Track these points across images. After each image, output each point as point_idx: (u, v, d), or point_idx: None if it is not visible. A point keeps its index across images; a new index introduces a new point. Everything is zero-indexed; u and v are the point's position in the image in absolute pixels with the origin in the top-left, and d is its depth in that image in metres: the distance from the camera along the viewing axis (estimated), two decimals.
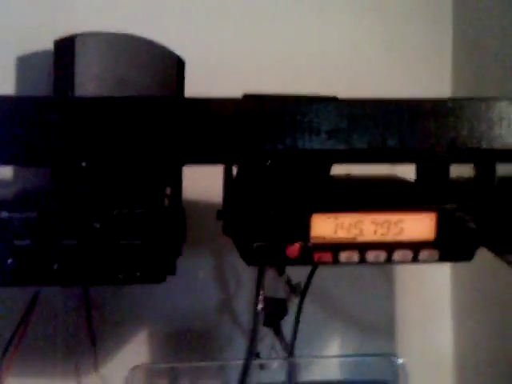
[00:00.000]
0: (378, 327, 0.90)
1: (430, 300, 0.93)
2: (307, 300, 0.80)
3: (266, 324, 0.77)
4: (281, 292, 0.76)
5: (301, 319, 0.80)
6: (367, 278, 0.89)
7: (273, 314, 0.76)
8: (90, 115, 0.48)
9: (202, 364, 0.68)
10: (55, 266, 0.49)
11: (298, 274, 0.76)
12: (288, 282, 0.76)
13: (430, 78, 0.88)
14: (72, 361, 0.82)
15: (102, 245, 0.49)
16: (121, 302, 0.84)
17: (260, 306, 0.48)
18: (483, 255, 0.53)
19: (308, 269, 0.78)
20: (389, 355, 0.69)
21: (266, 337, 0.78)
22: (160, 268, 0.51)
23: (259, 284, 0.48)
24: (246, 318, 0.87)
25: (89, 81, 0.69)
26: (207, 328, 0.87)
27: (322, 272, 0.79)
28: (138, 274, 0.50)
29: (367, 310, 0.90)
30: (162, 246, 0.50)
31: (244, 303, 0.87)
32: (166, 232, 0.50)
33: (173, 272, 0.52)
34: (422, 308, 0.92)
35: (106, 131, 0.49)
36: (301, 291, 0.76)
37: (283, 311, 0.71)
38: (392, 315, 0.92)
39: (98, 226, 0.49)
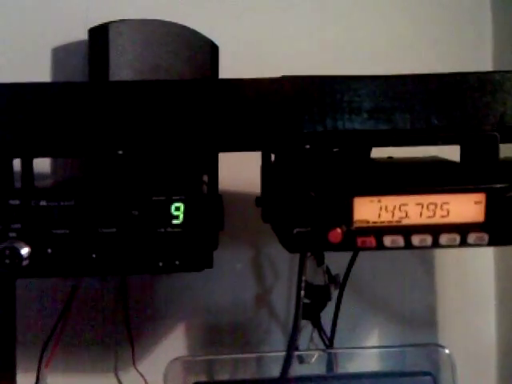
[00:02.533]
0: (419, 317, 0.88)
1: (473, 288, 0.90)
2: (346, 291, 0.79)
3: (304, 316, 0.76)
4: (320, 282, 0.74)
5: (340, 311, 0.78)
6: (407, 268, 0.87)
7: (312, 305, 0.75)
8: (126, 100, 0.48)
9: (241, 356, 0.67)
10: (94, 255, 0.48)
11: (336, 265, 0.75)
12: (327, 271, 0.74)
13: (468, 54, 0.86)
14: (110, 356, 0.82)
15: (140, 233, 0.49)
16: (158, 296, 0.84)
17: (303, 293, 0.46)
18: None
19: (346, 260, 0.77)
20: (434, 345, 0.67)
21: (305, 329, 0.77)
22: (198, 256, 0.50)
23: (301, 271, 0.47)
24: (283, 310, 0.86)
25: (123, 68, 0.69)
26: (245, 321, 0.86)
27: (361, 262, 0.77)
28: (177, 262, 0.49)
29: (407, 300, 0.88)
30: (200, 234, 0.49)
31: (281, 296, 0.86)
32: (204, 219, 0.49)
33: (210, 264, 0.51)
34: (464, 297, 0.90)
35: (142, 116, 0.48)
36: (340, 282, 0.75)
37: (324, 301, 0.69)
38: (433, 305, 0.89)
39: (136, 213, 0.49)
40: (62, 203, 0.48)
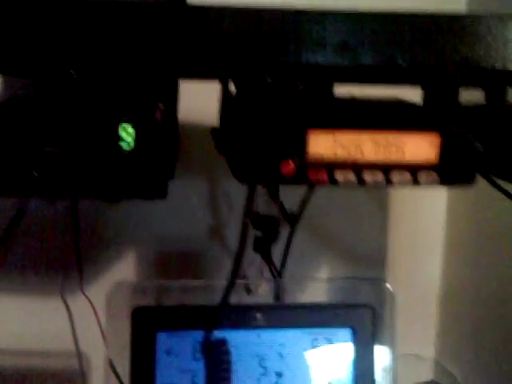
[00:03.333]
0: (369, 255, 0.90)
1: (424, 230, 0.92)
2: (299, 227, 0.79)
3: (255, 248, 0.76)
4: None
5: (292, 247, 0.79)
6: (361, 206, 0.88)
7: (262, 238, 0.75)
8: (82, 18, 0.45)
9: (186, 283, 0.67)
10: (36, 174, 0.46)
11: (293, 202, 0.75)
12: (281, 206, 0.74)
13: None
14: (58, 279, 0.81)
15: (85, 154, 0.47)
16: (110, 222, 0.83)
17: (247, 219, 0.46)
18: (482, 187, 0.51)
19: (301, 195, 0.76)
20: (377, 280, 0.69)
21: (255, 262, 0.78)
22: (150, 184, 0.48)
23: (250, 200, 0.46)
24: (236, 243, 0.86)
25: None
26: (197, 251, 0.86)
27: (316, 200, 0.77)
28: (124, 188, 0.47)
29: (359, 238, 0.90)
30: (150, 161, 0.48)
31: (235, 229, 0.86)
32: (155, 146, 0.48)
33: (163, 194, 0.50)
34: (414, 238, 0.92)
35: (98, 36, 0.46)
36: (293, 216, 0.75)
37: (274, 234, 0.70)
38: (384, 243, 0.91)
39: (82, 134, 0.47)
40: (4, 120, 0.46)
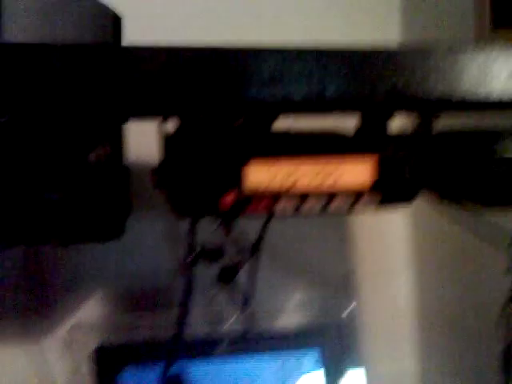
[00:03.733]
0: (333, 281, 0.90)
1: (389, 248, 0.93)
2: (266, 256, 0.80)
3: (220, 279, 0.77)
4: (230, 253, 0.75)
5: (259, 275, 0.80)
6: (325, 230, 0.89)
7: (227, 269, 0.76)
8: (17, 62, 0.46)
9: (146, 318, 0.68)
10: None
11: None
12: (235, 241, 0.75)
13: (376, 26, 0.87)
14: (19, 327, 0.82)
15: (24, 200, 0.48)
16: (69, 266, 0.83)
17: (189, 258, 0.47)
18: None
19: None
20: (344, 299, 0.69)
21: (221, 294, 0.78)
22: (90, 226, 0.49)
23: (192, 236, 0.48)
24: (203, 276, 0.87)
25: (18, 32, 0.66)
26: (161, 286, 0.87)
27: (279, 227, 0.78)
28: (65, 232, 0.48)
29: (326, 263, 0.90)
30: (82, 202, 0.49)
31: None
32: (88, 188, 0.49)
33: (118, 234, 0.51)
34: (381, 257, 0.93)
35: (33, 81, 0.46)
36: (250, 249, 0.76)
37: (219, 257, 0.70)
38: (351, 266, 0.92)
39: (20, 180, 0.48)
40: None
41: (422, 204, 0.52)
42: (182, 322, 0.47)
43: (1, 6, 0.62)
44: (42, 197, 0.47)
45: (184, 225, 0.82)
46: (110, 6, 0.68)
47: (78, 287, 0.83)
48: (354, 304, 0.70)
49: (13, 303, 0.81)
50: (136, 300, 0.85)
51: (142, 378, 0.63)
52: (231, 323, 0.77)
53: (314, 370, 0.66)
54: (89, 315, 0.81)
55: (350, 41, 0.49)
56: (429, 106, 0.49)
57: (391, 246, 0.93)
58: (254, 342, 0.66)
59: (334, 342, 0.67)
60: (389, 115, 0.50)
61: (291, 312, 0.83)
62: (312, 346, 0.66)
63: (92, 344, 0.61)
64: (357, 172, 0.49)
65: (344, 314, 0.70)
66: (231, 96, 0.49)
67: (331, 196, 0.49)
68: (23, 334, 0.81)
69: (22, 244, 0.68)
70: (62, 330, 0.79)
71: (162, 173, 0.53)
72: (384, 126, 0.50)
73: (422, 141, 0.50)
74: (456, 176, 0.51)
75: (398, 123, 0.53)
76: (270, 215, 0.49)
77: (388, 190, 0.49)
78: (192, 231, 0.47)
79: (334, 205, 0.49)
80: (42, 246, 0.69)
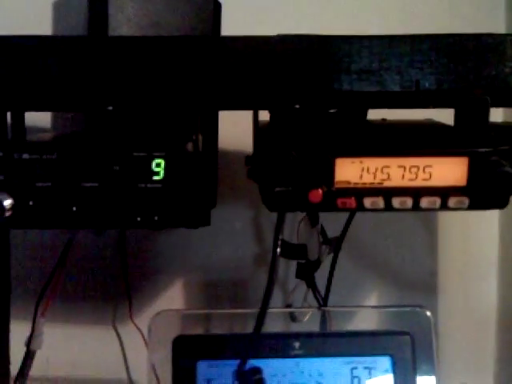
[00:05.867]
0: (418, 281, 0.88)
1: (476, 253, 0.89)
2: (343, 253, 0.78)
3: (298, 276, 0.76)
4: (314, 243, 0.74)
5: (336, 273, 0.78)
6: (409, 230, 0.86)
7: (306, 265, 0.75)
8: (121, 55, 0.47)
9: (229, 312, 0.68)
10: (74, 208, 0.49)
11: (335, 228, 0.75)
12: (322, 232, 0.74)
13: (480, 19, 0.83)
14: (108, 309, 0.84)
15: (121, 188, 0.49)
16: (157, 251, 0.85)
17: (279, 250, 0.46)
18: None
19: (343, 221, 0.76)
20: (417, 307, 0.67)
21: (300, 289, 0.78)
22: (191, 212, 0.50)
23: (278, 229, 0.47)
24: (282, 269, 0.87)
25: (122, 24, 0.69)
26: (243, 279, 0.87)
27: (359, 224, 0.77)
28: (156, 218, 0.49)
29: (407, 263, 0.87)
30: (185, 189, 0.49)
31: None
32: (187, 177, 0.49)
33: (207, 222, 0.51)
34: (466, 261, 0.89)
35: (136, 72, 0.48)
36: (334, 243, 0.75)
37: (303, 256, 0.70)
38: (435, 268, 0.88)
39: (117, 168, 0.49)
40: (44, 156, 0.49)
41: None
42: (262, 315, 0.47)
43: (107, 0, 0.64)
44: (139, 184, 0.48)
45: (271, 217, 0.83)
46: None
47: (160, 276, 0.85)
48: (426, 313, 0.68)
49: (104, 287, 0.84)
50: (216, 291, 0.85)
51: (218, 371, 0.62)
52: (306, 321, 0.76)
53: (384, 374, 0.64)
54: (169, 304, 0.82)
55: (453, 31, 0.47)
56: None
57: (479, 249, 0.89)
58: (327, 342, 0.65)
59: (407, 347, 0.64)
60: (488, 108, 0.47)
61: (366, 313, 0.81)
62: (384, 351, 0.64)
63: (171, 334, 0.62)
64: (450, 170, 0.47)
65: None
66: (325, 86, 0.48)
67: (424, 191, 0.47)
68: (103, 320, 0.83)
69: (118, 228, 0.70)
70: (143, 318, 0.80)
71: (254, 163, 0.52)
72: (483, 120, 0.47)
73: None
74: None
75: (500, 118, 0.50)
76: (356, 210, 0.47)
77: (478, 194, 0.47)
78: (279, 224, 0.46)
79: (425, 202, 0.47)
80: (131, 229, 0.70)
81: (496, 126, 0.50)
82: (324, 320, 0.76)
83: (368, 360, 0.63)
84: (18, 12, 0.78)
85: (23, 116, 0.53)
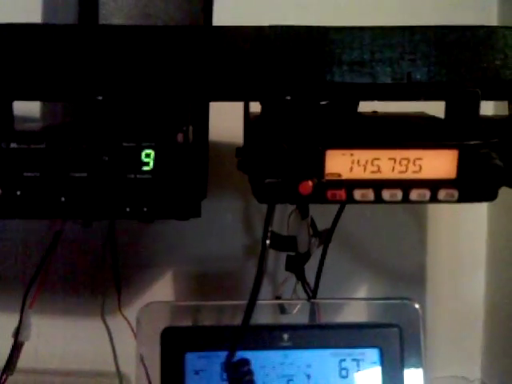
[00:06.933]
0: (406, 274, 0.88)
1: (465, 248, 0.90)
2: (333, 246, 0.78)
3: (287, 268, 0.76)
4: (304, 235, 0.74)
5: (325, 265, 0.78)
6: (398, 223, 0.86)
7: (295, 257, 0.75)
8: (113, 44, 0.47)
9: (217, 303, 0.68)
10: (63, 199, 0.48)
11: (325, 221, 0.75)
12: (312, 225, 0.74)
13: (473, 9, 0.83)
14: (96, 300, 0.84)
15: (110, 178, 0.48)
16: (146, 243, 0.84)
17: (268, 242, 0.46)
18: None
19: (333, 214, 0.76)
20: (405, 299, 0.68)
21: (289, 282, 0.78)
22: (181, 203, 0.49)
23: (268, 221, 0.47)
24: (271, 261, 0.87)
25: (113, 14, 0.68)
26: (233, 270, 0.87)
27: (349, 217, 0.77)
28: (145, 209, 0.49)
29: (395, 257, 0.88)
30: (175, 180, 0.49)
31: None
32: (177, 168, 0.49)
33: (197, 214, 0.51)
34: (455, 255, 0.89)
35: (126, 62, 0.47)
36: (324, 235, 0.75)
37: (293, 248, 0.70)
38: (423, 261, 0.89)
39: (106, 158, 0.48)
40: (32, 146, 0.48)
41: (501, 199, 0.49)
42: (251, 307, 0.46)
43: None
44: (129, 174, 0.47)
45: (261, 209, 0.82)
46: None
47: (150, 267, 0.84)
48: (414, 305, 0.68)
49: (93, 279, 0.83)
50: (206, 282, 0.85)
51: (206, 362, 0.62)
52: (295, 314, 0.76)
53: (371, 367, 0.64)
54: (158, 296, 0.82)
55: (445, 23, 0.47)
56: None
57: (467, 243, 0.89)
58: (315, 334, 0.65)
59: (396, 339, 0.65)
60: (479, 100, 0.47)
61: (356, 306, 0.81)
62: (372, 343, 0.65)
63: (160, 325, 0.62)
64: (440, 163, 0.47)
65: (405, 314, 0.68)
66: (316, 78, 0.47)
67: (414, 183, 0.47)
68: (92, 311, 0.83)
69: (107, 218, 0.70)
70: (131, 310, 0.80)
71: (244, 155, 0.52)
72: (473, 114, 0.47)
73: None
74: None
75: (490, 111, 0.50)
76: (346, 202, 0.47)
77: (467, 186, 0.47)
78: (269, 215, 0.46)
79: (415, 195, 0.47)
80: (120, 220, 0.70)
81: (486, 118, 0.50)
82: (313, 312, 0.76)
83: (356, 352, 0.63)
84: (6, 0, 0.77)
85: (11, 105, 0.53)
